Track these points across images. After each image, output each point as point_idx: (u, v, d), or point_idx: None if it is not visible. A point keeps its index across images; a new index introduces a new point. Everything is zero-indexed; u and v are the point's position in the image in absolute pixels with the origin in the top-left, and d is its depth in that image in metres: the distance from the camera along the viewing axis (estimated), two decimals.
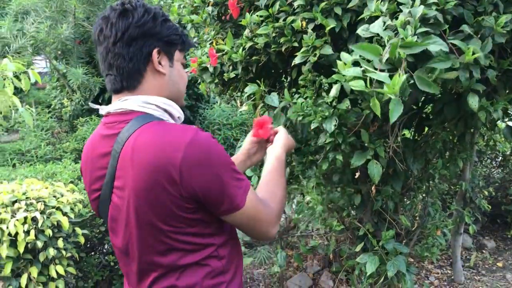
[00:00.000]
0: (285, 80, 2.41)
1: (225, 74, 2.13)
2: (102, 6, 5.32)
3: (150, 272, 1.18)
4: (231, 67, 2.09)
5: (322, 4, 1.66)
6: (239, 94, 2.38)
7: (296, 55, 1.72)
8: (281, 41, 1.75)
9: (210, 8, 2.22)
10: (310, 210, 2.36)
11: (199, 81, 2.43)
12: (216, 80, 2.25)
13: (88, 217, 2.56)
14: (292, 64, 1.76)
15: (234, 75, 2.09)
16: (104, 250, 2.93)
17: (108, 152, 1.14)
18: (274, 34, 1.78)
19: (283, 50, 1.77)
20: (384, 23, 1.39)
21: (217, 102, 6.80)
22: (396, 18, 1.35)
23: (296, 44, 1.74)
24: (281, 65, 2.03)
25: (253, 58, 1.97)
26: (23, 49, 5.33)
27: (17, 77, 1.89)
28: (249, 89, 2.00)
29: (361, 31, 1.43)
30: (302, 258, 3.55)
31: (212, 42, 2.25)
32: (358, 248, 2.30)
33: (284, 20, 1.77)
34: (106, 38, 1.15)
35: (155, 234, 1.11)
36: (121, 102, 1.15)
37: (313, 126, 1.73)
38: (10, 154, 4.94)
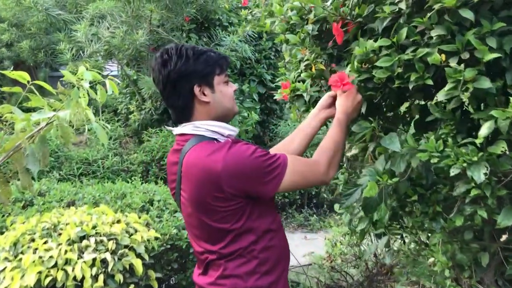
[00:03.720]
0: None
1: None
2: (179, 10, 5.13)
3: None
4: None
5: (469, 33, 1.30)
6: None
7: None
8: (411, 79, 1.40)
9: (309, 27, 1.89)
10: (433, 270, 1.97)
11: (274, 96, 2.17)
12: (311, 109, 1.94)
13: (160, 251, 2.33)
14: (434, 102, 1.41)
15: None
16: None
17: (177, 161, 1.47)
18: (399, 69, 1.44)
19: (410, 88, 1.43)
20: None
21: (290, 118, 6.48)
22: None
23: (430, 82, 1.39)
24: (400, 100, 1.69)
25: (367, 93, 1.64)
26: (96, 54, 5.27)
27: (92, 87, 1.71)
28: (358, 127, 1.67)
29: None
30: None
31: (311, 68, 1.95)
32: None
33: (414, 51, 1.42)
34: (158, 84, 1.48)
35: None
36: (181, 128, 1.49)
37: (453, 172, 1.36)
38: (77, 163, 4.82)
